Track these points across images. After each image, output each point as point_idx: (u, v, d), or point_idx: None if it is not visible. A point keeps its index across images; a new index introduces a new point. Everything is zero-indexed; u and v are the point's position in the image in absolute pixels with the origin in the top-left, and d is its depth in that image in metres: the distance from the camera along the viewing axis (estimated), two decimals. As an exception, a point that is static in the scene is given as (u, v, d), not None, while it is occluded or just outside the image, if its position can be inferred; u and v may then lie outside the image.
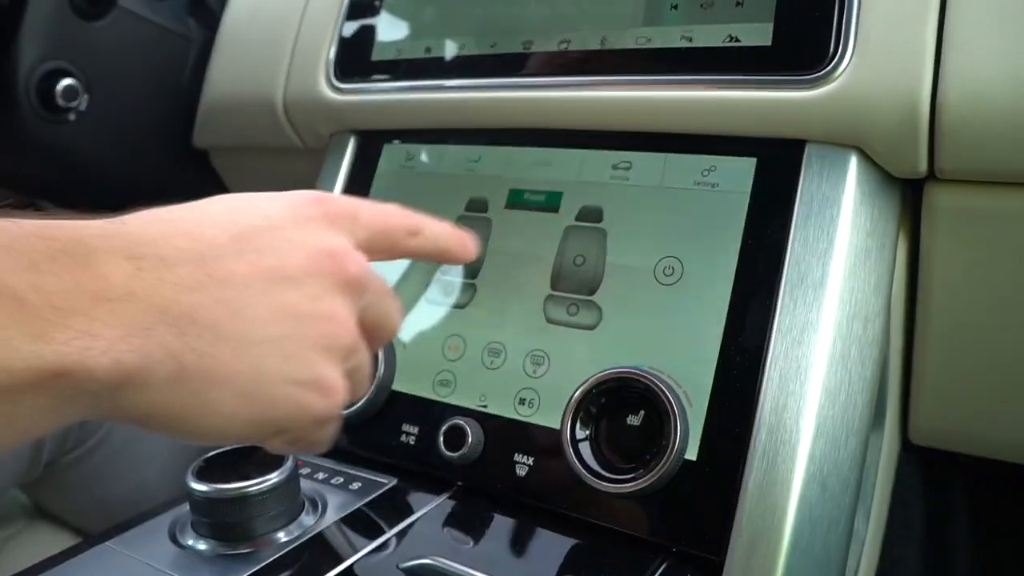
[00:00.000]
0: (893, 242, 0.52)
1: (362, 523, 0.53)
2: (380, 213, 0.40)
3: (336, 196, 0.40)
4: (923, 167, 0.49)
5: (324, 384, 0.36)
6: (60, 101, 0.71)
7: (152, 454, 0.70)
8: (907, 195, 0.53)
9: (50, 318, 0.28)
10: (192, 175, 0.84)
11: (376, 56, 0.66)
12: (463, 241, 0.45)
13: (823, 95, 0.49)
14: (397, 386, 0.59)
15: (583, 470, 0.49)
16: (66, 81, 0.71)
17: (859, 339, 0.49)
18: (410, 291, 0.61)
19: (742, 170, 0.52)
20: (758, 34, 0.51)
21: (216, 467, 0.52)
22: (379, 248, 0.40)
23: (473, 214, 0.61)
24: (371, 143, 0.67)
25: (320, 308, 0.35)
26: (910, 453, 0.74)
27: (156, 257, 0.31)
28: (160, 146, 0.81)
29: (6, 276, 0.28)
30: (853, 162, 0.50)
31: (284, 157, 0.75)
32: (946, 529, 0.81)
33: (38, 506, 0.73)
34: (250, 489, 0.50)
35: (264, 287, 0.34)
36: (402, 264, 0.62)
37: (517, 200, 0.59)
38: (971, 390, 0.60)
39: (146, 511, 0.55)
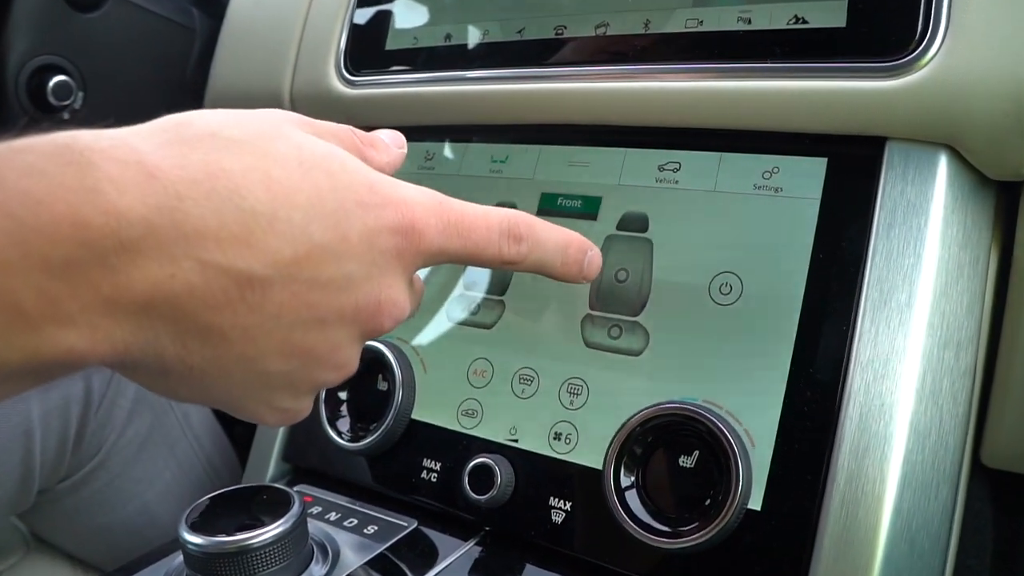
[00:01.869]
0: (987, 254, 0.45)
1: (379, 573, 0.48)
2: (469, 245, 0.36)
3: (428, 227, 0.34)
4: (1028, 167, 0.42)
5: (292, 412, 0.35)
6: (52, 99, 0.65)
7: (152, 476, 0.65)
8: (1001, 199, 0.46)
9: (46, 333, 0.26)
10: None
11: (391, 45, 0.59)
12: (577, 265, 0.41)
13: (909, 85, 0.42)
14: (417, 415, 0.53)
15: (629, 522, 0.43)
16: (58, 77, 0.66)
17: (951, 370, 0.42)
18: (430, 306, 0.55)
19: (810, 172, 0.45)
20: (830, 14, 0.44)
21: (213, 513, 0.46)
22: (459, 263, 0.39)
23: (500, 221, 0.54)
24: (387, 142, 0.61)
25: (334, 357, 0.34)
26: (981, 477, 0.67)
27: (196, 263, 0.28)
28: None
29: (14, 281, 0.25)
30: (943, 162, 0.43)
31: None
32: (1019, 558, 0.74)
33: (37, 536, 0.68)
34: (252, 541, 0.44)
35: (292, 323, 0.31)
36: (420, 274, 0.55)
37: (550, 206, 0.53)
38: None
39: (136, 559, 0.50)
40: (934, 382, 0.41)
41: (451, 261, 0.37)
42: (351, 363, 0.35)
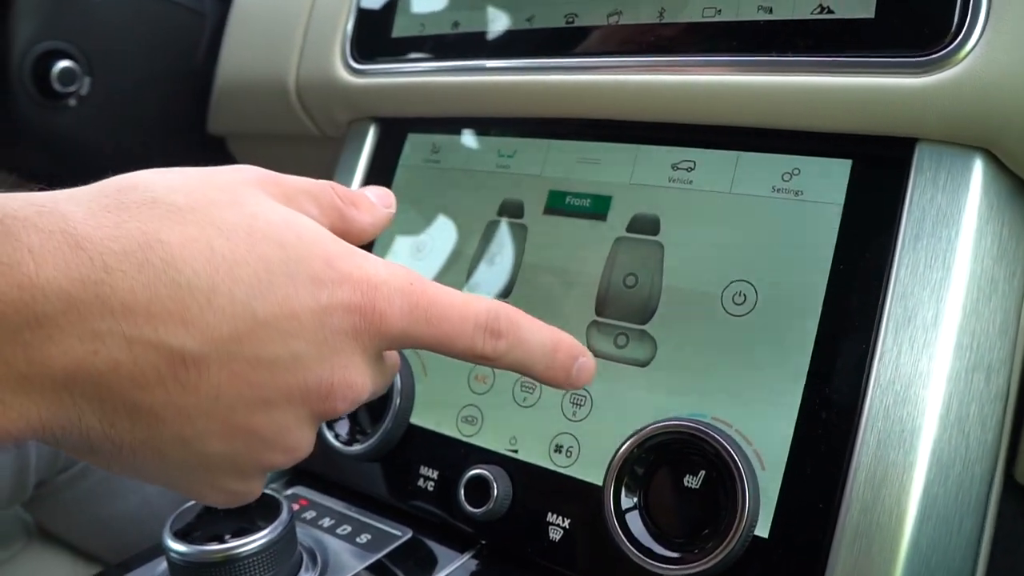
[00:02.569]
0: (1025, 267, 0.42)
1: (370, 585, 0.46)
2: (438, 334, 0.33)
3: (390, 305, 0.32)
4: (1072, 175, 0.38)
5: (240, 494, 0.34)
6: (57, 85, 0.64)
7: (154, 474, 0.64)
8: (1043, 205, 0.42)
9: None
10: (210, 163, 0.77)
11: (397, 32, 0.57)
12: (563, 371, 0.36)
13: (943, 82, 0.38)
14: (416, 419, 0.51)
15: (629, 545, 0.40)
16: (63, 63, 0.64)
17: (980, 395, 0.39)
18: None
19: (833, 174, 0.42)
20: (858, 3, 0.41)
21: (199, 519, 0.44)
22: (429, 349, 0.34)
23: (506, 219, 0.51)
24: (393, 132, 0.58)
25: (282, 440, 0.31)
26: (1014, 494, 0.64)
27: (123, 339, 0.26)
28: (173, 133, 0.73)
29: None
30: (978, 167, 0.39)
31: (302, 145, 0.67)
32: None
33: (40, 526, 0.68)
34: (238, 550, 0.42)
35: (233, 404, 0.29)
36: (431, 274, 0.53)
37: (558, 204, 0.50)
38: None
39: (121, 563, 0.48)
40: (960, 408, 0.38)
41: (418, 347, 0.34)
42: (302, 445, 0.33)
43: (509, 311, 0.35)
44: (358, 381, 0.32)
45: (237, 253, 0.29)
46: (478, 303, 0.34)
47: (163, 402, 0.28)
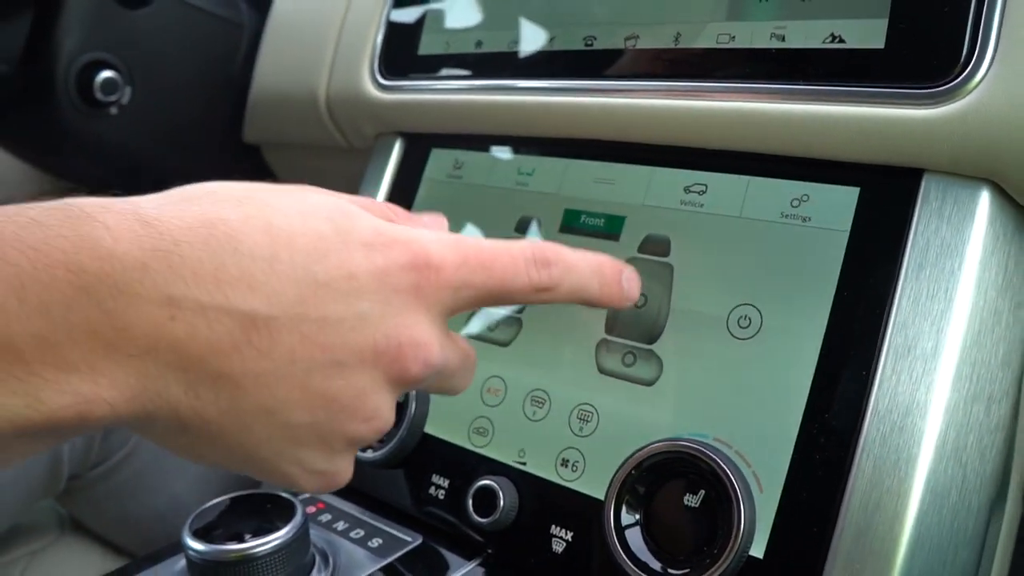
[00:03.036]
0: (1033, 299, 0.42)
1: (378, 588, 0.47)
2: (495, 276, 0.34)
3: (443, 260, 0.33)
4: (1079, 209, 0.38)
5: (329, 474, 0.34)
6: (99, 94, 0.67)
7: (181, 468, 0.66)
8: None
9: (48, 377, 0.26)
10: (245, 170, 0.79)
11: (424, 50, 0.58)
12: (616, 285, 0.39)
13: (950, 114, 0.39)
14: (430, 428, 0.52)
15: (627, 560, 0.41)
16: (106, 73, 0.67)
17: (979, 426, 0.39)
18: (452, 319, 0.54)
19: (841, 202, 0.42)
20: (869, 33, 0.41)
21: (217, 519, 0.46)
22: (489, 303, 0.36)
23: (522, 236, 0.53)
24: (418, 146, 0.60)
25: (362, 405, 0.32)
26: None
27: (196, 304, 0.28)
28: (210, 140, 0.76)
29: (10, 322, 0.25)
30: (985, 199, 0.39)
31: (331, 156, 0.69)
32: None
33: (73, 519, 0.70)
34: (253, 550, 0.44)
35: (308, 368, 0.30)
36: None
37: (573, 223, 0.51)
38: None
39: (144, 556, 0.50)
40: (958, 438, 0.38)
41: (480, 300, 0.35)
42: (382, 413, 0.33)
43: (548, 244, 0.36)
44: (425, 340, 0.32)
45: (293, 227, 0.30)
46: (519, 243, 0.35)
47: (241, 369, 0.29)
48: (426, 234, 0.33)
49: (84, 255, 0.26)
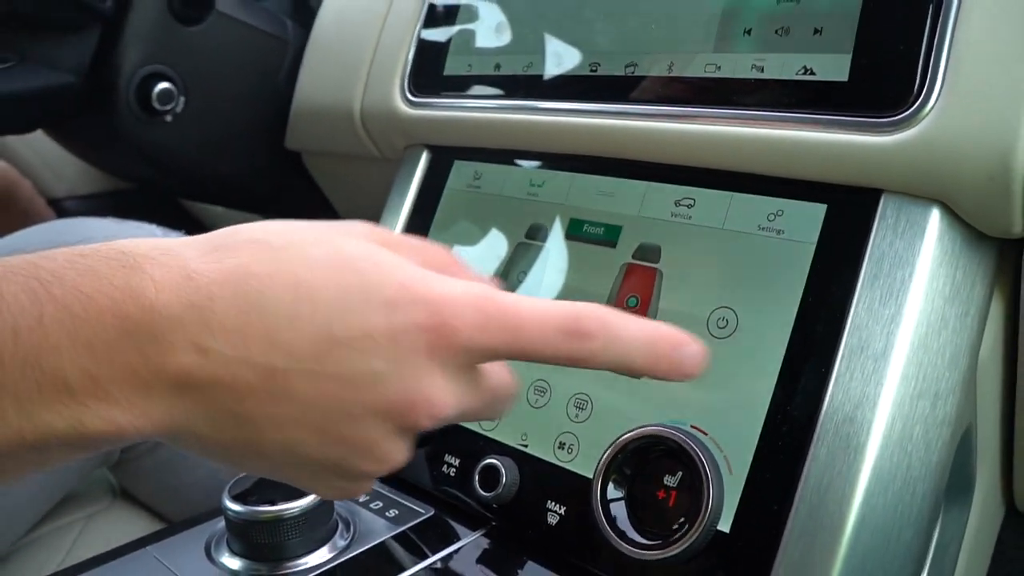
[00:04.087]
0: (981, 307, 0.46)
1: (395, 551, 0.53)
2: (519, 341, 0.33)
3: (461, 321, 0.33)
4: (1018, 228, 0.43)
5: (349, 490, 0.37)
6: (156, 104, 0.73)
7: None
8: (1006, 252, 0.47)
9: (92, 407, 0.30)
10: (287, 174, 0.85)
11: (448, 71, 0.64)
12: (667, 361, 0.36)
13: (903, 141, 0.43)
14: (444, 414, 0.58)
15: (610, 531, 0.46)
16: (163, 84, 0.73)
17: (925, 419, 0.44)
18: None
19: (810, 217, 0.47)
20: (835, 67, 0.46)
21: (252, 486, 0.52)
22: (516, 358, 0.35)
23: (532, 241, 0.58)
24: (442, 158, 0.66)
25: (375, 449, 0.34)
26: (1017, 520, 0.67)
27: (221, 355, 0.31)
28: (255, 147, 0.82)
29: (63, 358, 0.29)
30: (934, 217, 0.44)
31: (365, 164, 0.75)
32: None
33: (123, 488, 0.77)
34: (285, 512, 0.50)
35: (323, 415, 0.32)
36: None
37: (576, 231, 0.56)
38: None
39: (187, 519, 0.57)
40: (904, 430, 0.43)
41: (503, 358, 0.35)
42: (395, 456, 0.35)
43: (595, 310, 0.34)
44: (438, 397, 0.33)
45: (318, 281, 0.32)
46: (558, 307, 0.34)
47: (259, 411, 0.32)
48: (454, 287, 0.33)
49: (130, 304, 0.30)
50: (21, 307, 0.29)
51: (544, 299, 0.35)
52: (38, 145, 1.14)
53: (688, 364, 0.36)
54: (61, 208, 1.17)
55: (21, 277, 0.30)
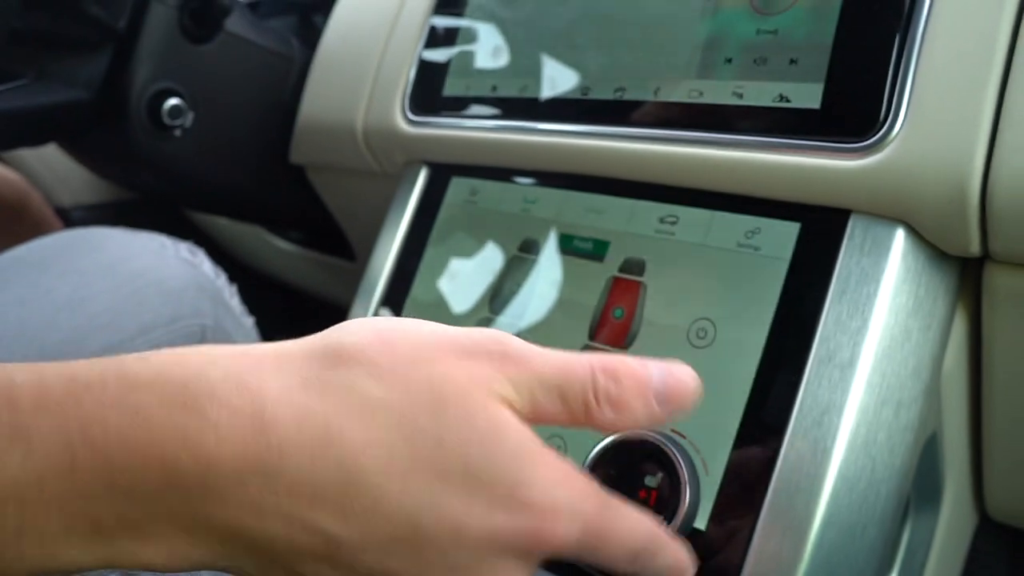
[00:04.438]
0: (943, 321, 0.49)
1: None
2: (600, 554, 0.33)
3: (566, 536, 0.31)
4: (975, 248, 0.46)
5: None
6: (166, 119, 0.76)
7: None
8: (968, 270, 0.50)
9: (123, 544, 0.28)
10: (291, 187, 0.88)
11: (447, 91, 0.67)
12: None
13: (870, 165, 0.47)
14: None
15: (593, 528, 0.49)
16: (173, 100, 0.76)
17: (888, 425, 0.47)
18: (463, 325, 0.62)
19: (785, 235, 0.50)
20: (808, 95, 0.49)
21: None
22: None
23: (525, 255, 0.61)
24: (440, 174, 0.69)
25: None
26: (993, 529, 0.70)
27: (286, 516, 0.28)
28: (260, 160, 0.85)
29: (100, 508, 0.27)
30: (899, 237, 0.47)
31: (366, 179, 0.78)
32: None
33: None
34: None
35: None
36: (462, 297, 0.63)
37: (567, 246, 0.59)
38: (1043, 475, 0.56)
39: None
40: (868, 435, 0.46)
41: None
42: None
43: (678, 551, 0.36)
44: None
45: (417, 462, 0.28)
46: (645, 529, 0.34)
47: (316, 571, 0.29)
48: (565, 498, 0.31)
49: (183, 456, 0.26)
50: (49, 451, 0.26)
51: (639, 515, 0.34)
52: (45, 155, 1.17)
53: None
54: (67, 217, 1.20)
55: (57, 412, 0.26)
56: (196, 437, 0.27)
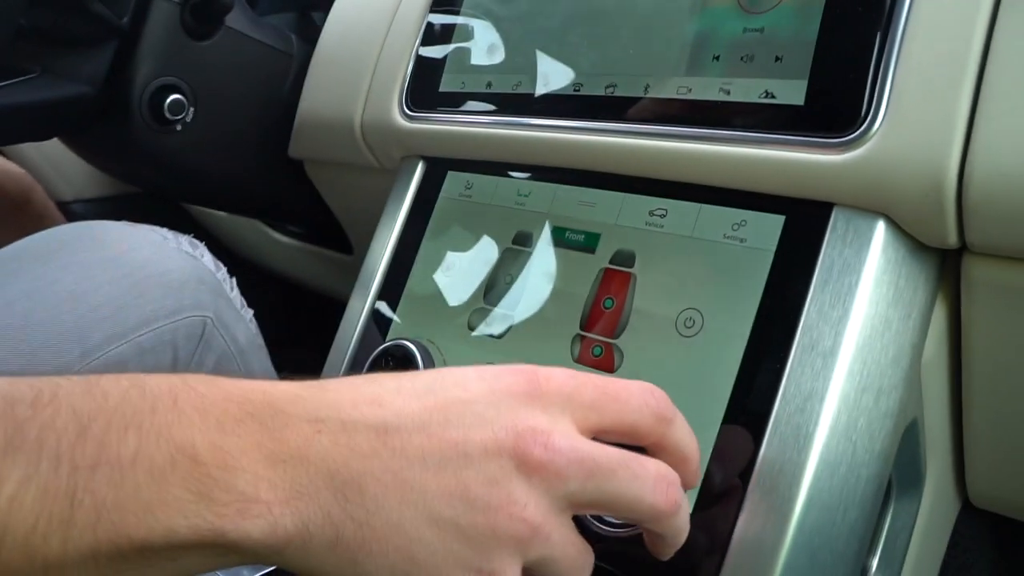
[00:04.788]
0: (923, 311, 0.51)
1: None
2: (611, 393, 0.39)
3: (553, 372, 0.38)
4: (952, 240, 0.47)
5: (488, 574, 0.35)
6: (167, 114, 0.78)
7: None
8: (947, 262, 0.52)
9: (218, 477, 0.31)
10: (290, 182, 0.90)
11: (444, 87, 0.69)
12: (696, 469, 0.42)
13: (851, 159, 0.48)
14: (435, 406, 0.63)
15: (588, 514, 0.51)
16: (174, 96, 0.78)
17: (868, 412, 0.48)
18: (456, 317, 0.64)
19: (771, 227, 0.52)
20: (793, 91, 0.51)
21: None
22: (612, 430, 0.39)
23: (519, 247, 0.63)
24: (437, 169, 0.70)
25: (494, 494, 0.34)
26: (975, 515, 0.72)
27: (337, 421, 0.33)
28: (260, 156, 0.87)
29: (193, 435, 0.31)
30: (880, 229, 0.49)
31: (364, 174, 0.79)
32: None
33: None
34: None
35: (440, 463, 0.34)
36: (457, 288, 0.65)
37: (559, 238, 0.61)
38: (1023, 459, 0.58)
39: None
40: (849, 421, 0.47)
41: (602, 418, 0.38)
42: (517, 500, 0.34)
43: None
44: (543, 426, 0.35)
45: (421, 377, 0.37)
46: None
47: (381, 467, 0.33)
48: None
49: (251, 393, 0.33)
50: (161, 389, 0.32)
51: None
52: (46, 149, 1.18)
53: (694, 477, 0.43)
54: (68, 211, 1.21)
55: (165, 377, 0.33)
56: (260, 384, 0.35)
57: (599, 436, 0.38)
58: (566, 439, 0.35)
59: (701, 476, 0.44)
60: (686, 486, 0.41)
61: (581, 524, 0.50)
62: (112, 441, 0.30)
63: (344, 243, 0.98)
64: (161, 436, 0.31)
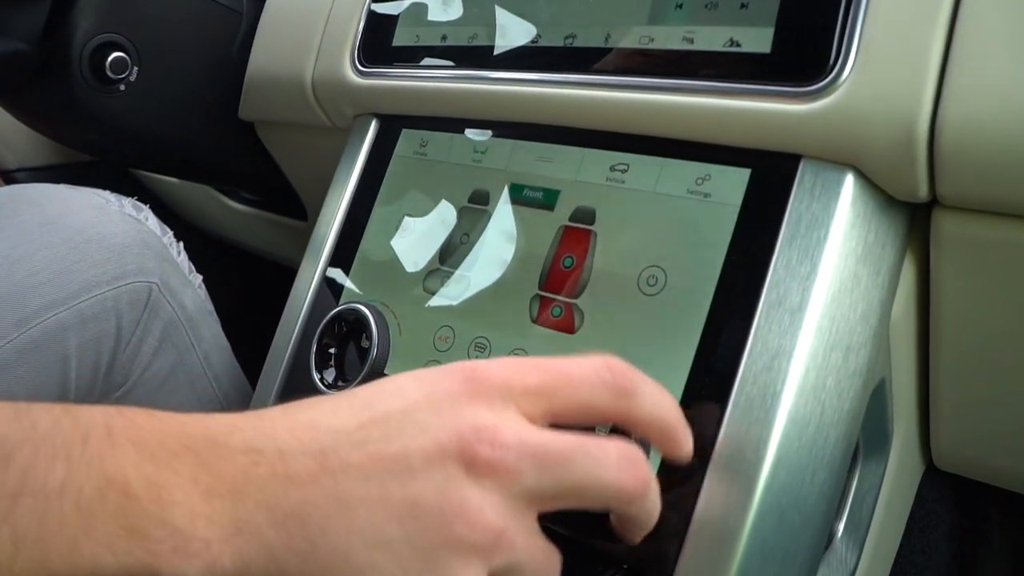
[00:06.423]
0: (892, 267, 0.49)
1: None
2: (557, 374, 0.37)
3: (491, 363, 0.36)
4: (923, 192, 0.46)
5: None
6: (110, 73, 0.74)
7: (174, 408, 0.73)
8: (916, 217, 0.50)
9: (152, 512, 0.29)
10: (241, 145, 0.87)
11: (397, 41, 0.66)
12: (682, 437, 0.41)
13: (819, 109, 0.46)
14: (389, 370, 0.60)
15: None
16: (116, 54, 0.74)
17: (837, 370, 0.47)
18: (411, 279, 0.62)
19: (735, 181, 0.50)
20: (759, 39, 0.49)
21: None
22: (567, 414, 0.37)
23: (475, 206, 0.60)
24: (390, 126, 0.67)
25: (445, 503, 0.32)
26: (938, 477, 0.71)
27: (275, 450, 0.32)
28: (209, 117, 0.83)
29: (126, 467, 0.30)
30: (849, 182, 0.47)
31: (316, 134, 0.76)
32: (975, 556, 0.77)
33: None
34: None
35: (383, 481, 0.32)
36: (412, 251, 0.62)
37: (517, 195, 0.59)
38: (988, 421, 0.57)
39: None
40: (817, 379, 0.46)
41: (548, 402, 0.36)
42: (470, 505, 0.32)
43: (626, 369, 0.39)
44: (486, 422, 0.33)
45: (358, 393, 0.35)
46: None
47: (323, 496, 0.31)
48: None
49: (189, 426, 0.32)
50: (94, 420, 0.31)
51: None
52: (-12, 116, 1.13)
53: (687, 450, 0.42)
54: (12, 180, 1.17)
55: (100, 408, 0.32)
56: (201, 417, 0.33)
57: (556, 423, 0.36)
58: (513, 432, 0.33)
59: (689, 444, 0.41)
60: (678, 460, 0.40)
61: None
62: (38, 471, 0.29)
63: (299, 209, 0.95)
64: (92, 467, 0.29)
